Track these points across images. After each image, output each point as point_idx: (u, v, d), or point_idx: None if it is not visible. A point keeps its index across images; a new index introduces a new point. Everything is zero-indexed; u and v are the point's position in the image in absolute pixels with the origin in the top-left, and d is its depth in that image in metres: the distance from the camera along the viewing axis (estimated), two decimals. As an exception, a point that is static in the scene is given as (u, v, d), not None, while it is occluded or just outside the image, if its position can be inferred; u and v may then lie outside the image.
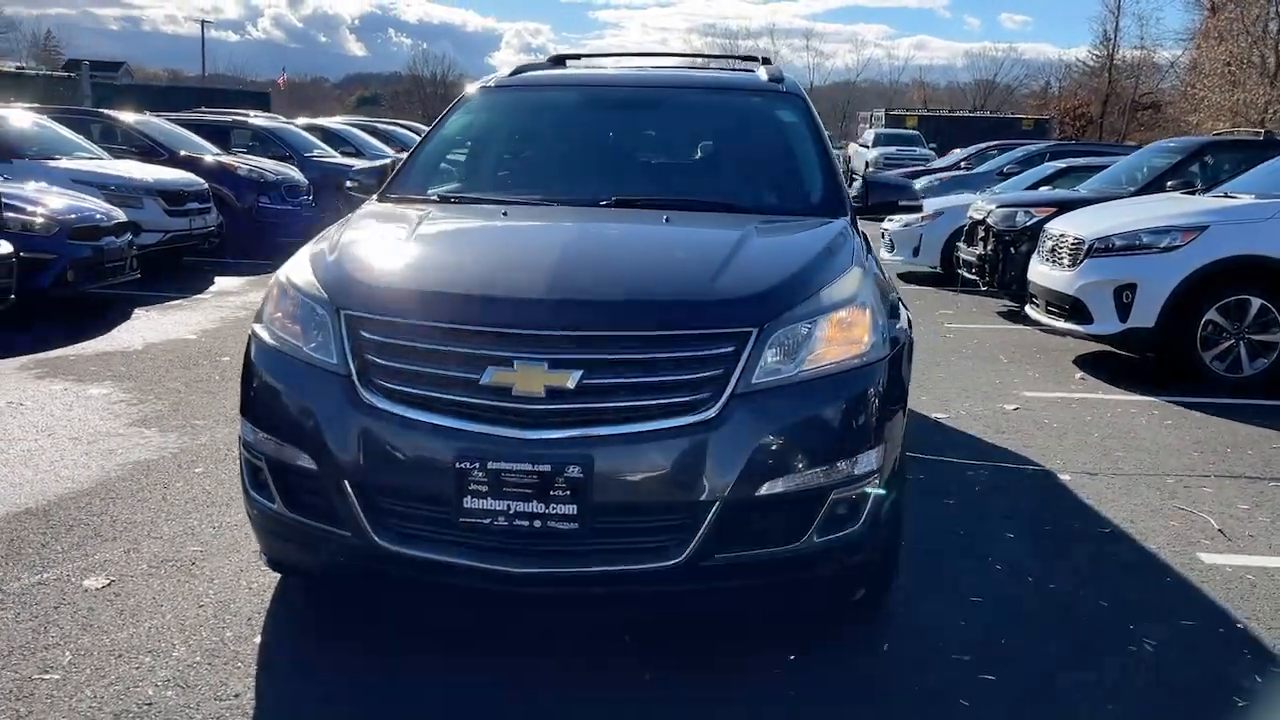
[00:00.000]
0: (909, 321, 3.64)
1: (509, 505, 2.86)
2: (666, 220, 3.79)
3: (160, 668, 3.14)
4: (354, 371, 3.02)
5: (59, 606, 3.53)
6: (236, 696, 3.00)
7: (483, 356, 2.93)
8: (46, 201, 8.97)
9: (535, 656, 3.29)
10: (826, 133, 4.71)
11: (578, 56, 5.77)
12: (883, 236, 13.58)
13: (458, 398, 2.93)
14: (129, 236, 9.53)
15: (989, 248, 10.59)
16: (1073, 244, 7.91)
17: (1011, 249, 10.19)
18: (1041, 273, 8.34)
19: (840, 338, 3.15)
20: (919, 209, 4.53)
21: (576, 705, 3.03)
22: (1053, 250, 8.23)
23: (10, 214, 8.53)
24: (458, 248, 3.61)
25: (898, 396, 3.29)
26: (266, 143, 16.46)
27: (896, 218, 13.40)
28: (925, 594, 3.83)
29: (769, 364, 3.00)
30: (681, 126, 4.86)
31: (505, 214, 3.88)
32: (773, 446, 2.95)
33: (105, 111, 15.24)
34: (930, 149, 31.29)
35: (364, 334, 3.05)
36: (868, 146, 32.79)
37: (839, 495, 3.04)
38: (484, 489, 2.84)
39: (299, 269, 3.41)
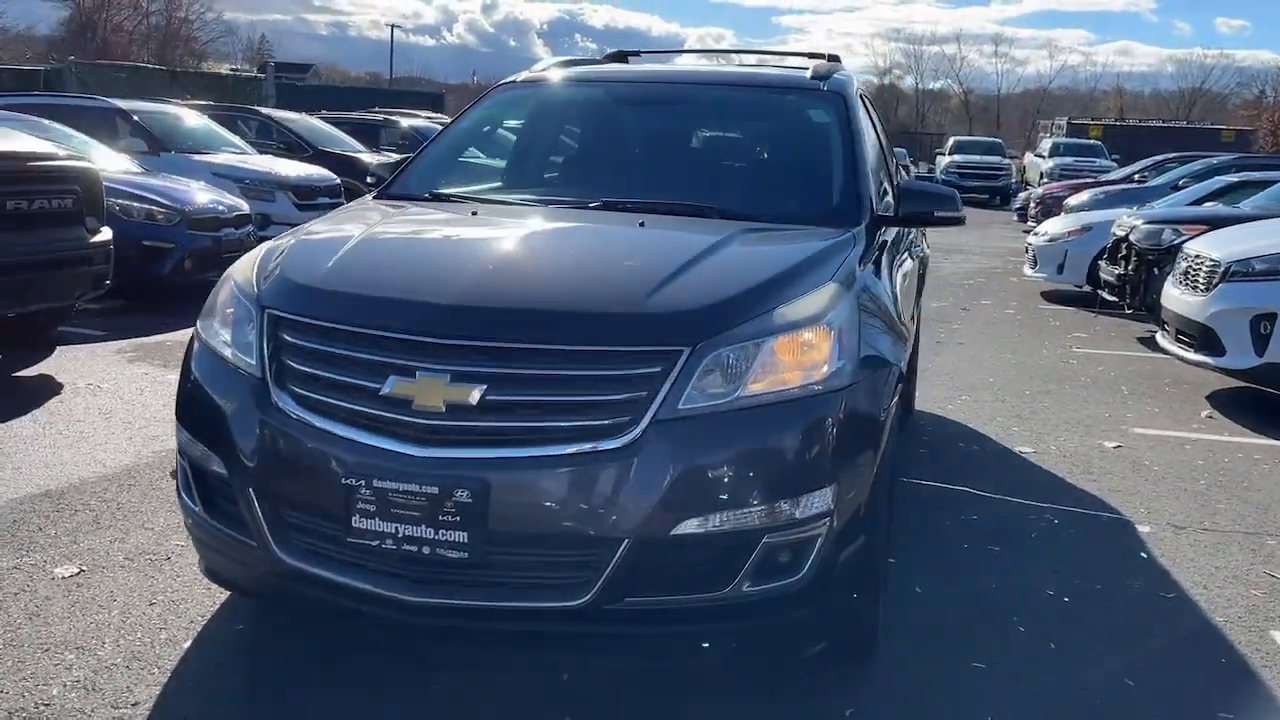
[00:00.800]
0: (903, 347, 3.25)
1: (397, 528, 2.65)
2: (641, 225, 3.50)
3: (78, 667, 3.08)
4: (269, 373, 2.88)
5: (19, 593, 3.54)
6: (134, 705, 2.90)
7: (388, 365, 2.73)
8: (172, 193, 9.36)
9: (474, 687, 3.07)
10: (873, 134, 4.30)
11: (638, 53, 5.52)
12: (1026, 251, 12.73)
13: (358, 407, 2.74)
14: (249, 228, 9.86)
15: (1130, 267, 9.72)
16: (1209, 266, 7.10)
17: (1154, 269, 9.30)
18: (1173, 296, 7.53)
19: (794, 361, 2.79)
20: (959, 221, 4.03)
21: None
22: (1186, 272, 7.42)
23: (136, 204, 8.96)
24: (397, 249, 3.42)
25: (867, 431, 2.91)
26: (415, 141, 16.91)
27: (1043, 231, 12.56)
28: (919, 653, 3.40)
29: (703, 387, 2.68)
30: (700, 126, 4.55)
31: (474, 214, 3.67)
32: (696, 480, 2.63)
33: (261, 110, 16.00)
34: (1113, 160, 29.38)
35: (282, 334, 2.90)
36: (1044, 156, 31.10)
37: (777, 540, 2.69)
38: (371, 508, 2.64)
39: (247, 263, 3.30)
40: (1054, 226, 12.56)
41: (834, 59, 5.15)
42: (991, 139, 39.02)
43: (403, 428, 2.68)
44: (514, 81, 4.75)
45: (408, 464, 2.64)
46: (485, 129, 4.67)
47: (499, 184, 4.31)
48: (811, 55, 5.40)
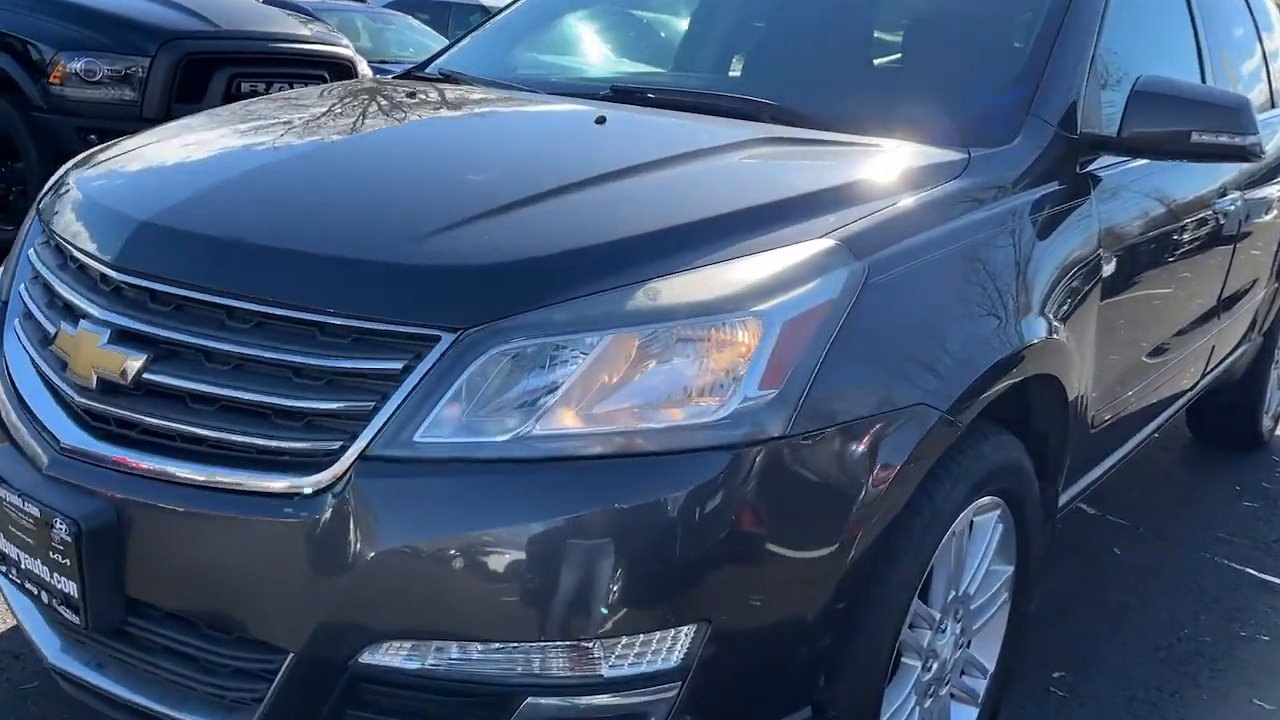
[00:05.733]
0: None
1: (19, 555, 1.73)
2: (599, 120, 2.21)
3: None
4: (8, 301, 2.05)
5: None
6: None
7: (70, 304, 1.79)
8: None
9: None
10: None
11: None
12: None
13: (34, 353, 1.84)
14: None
15: None
16: None
17: None
18: None
19: (664, 381, 1.50)
20: (1246, 153, 2.21)
21: None
22: None
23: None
24: (238, 148, 2.28)
25: (805, 531, 1.55)
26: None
27: None
28: None
29: (464, 409, 1.48)
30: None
31: (404, 97, 2.54)
32: (415, 576, 1.46)
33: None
34: None
35: (32, 257, 2.05)
36: None
37: (553, 705, 1.46)
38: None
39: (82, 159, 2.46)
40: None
41: None
42: None
43: (60, 399, 1.74)
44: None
45: (32, 457, 1.70)
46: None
47: (526, 63, 3.13)
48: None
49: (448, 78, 2.78)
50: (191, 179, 1.91)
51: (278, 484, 1.51)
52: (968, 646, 2.08)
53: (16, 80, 5.51)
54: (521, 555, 1.44)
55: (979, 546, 2.02)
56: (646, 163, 1.90)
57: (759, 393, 1.50)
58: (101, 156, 2.17)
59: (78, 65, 5.40)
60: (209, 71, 5.62)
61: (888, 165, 2.00)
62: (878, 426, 1.59)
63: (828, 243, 1.66)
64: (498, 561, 1.45)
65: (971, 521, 1.96)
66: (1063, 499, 2.46)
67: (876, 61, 2.79)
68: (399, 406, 1.48)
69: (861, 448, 1.57)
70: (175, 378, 1.60)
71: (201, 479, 1.55)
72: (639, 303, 1.51)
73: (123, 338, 1.66)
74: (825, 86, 2.53)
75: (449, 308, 1.52)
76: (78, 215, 1.91)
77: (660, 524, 1.45)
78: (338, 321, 1.54)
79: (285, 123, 2.29)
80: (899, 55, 2.76)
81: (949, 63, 2.48)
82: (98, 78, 5.47)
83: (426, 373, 1.49)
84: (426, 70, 2.94)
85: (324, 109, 2.41)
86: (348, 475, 1.47)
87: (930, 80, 2.45)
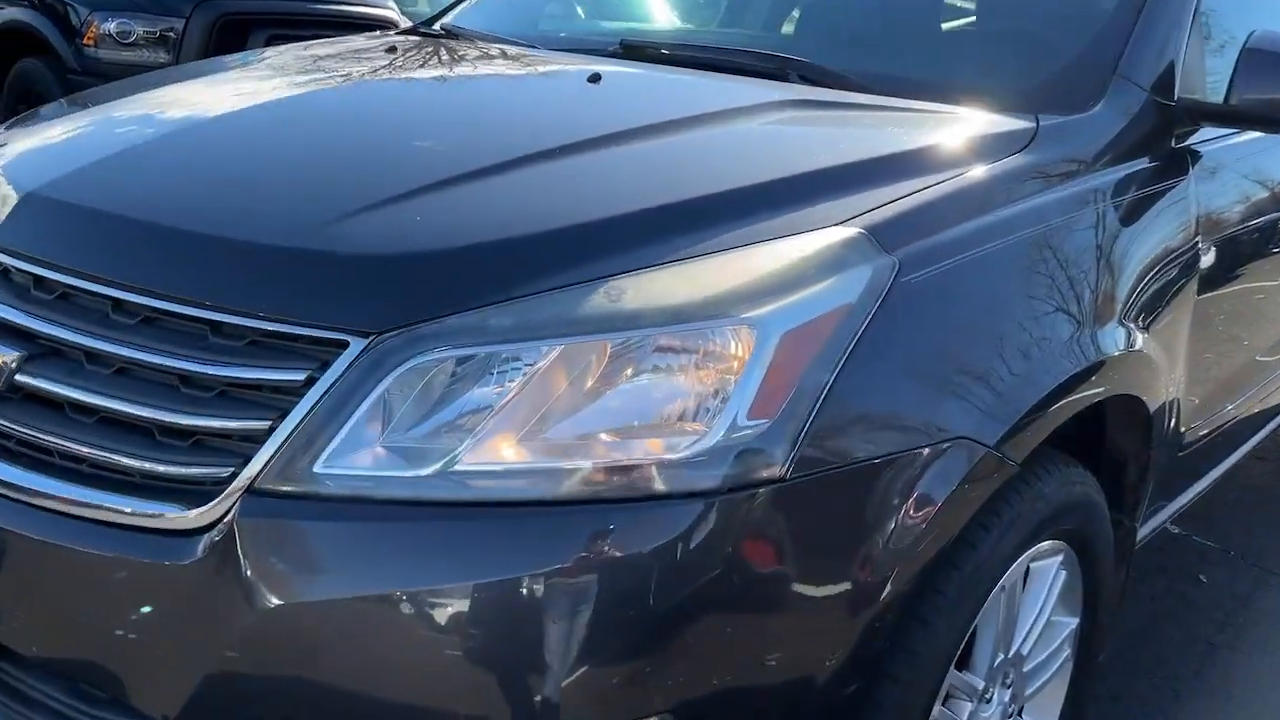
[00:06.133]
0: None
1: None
2: (593, 79, 1.87)
3: None
4: None
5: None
6: None
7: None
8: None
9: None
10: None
11: None
12: None
13: None
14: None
15: None
16: None
17: None
18: None
19: (621, 407, 1.18)
20: None
21: None
22: None
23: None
24: (163, 112, 1.93)
25: (804, 603, 1.23)
26: None
27: None
28: None
29: (376, 433, 1.19)
30: None
31: (388, 52, 2.21)
32: (303, 649, 1.17)
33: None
34: None
35: None
36: None
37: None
38: None
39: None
40: None
41: None
42: None
43: None
44: None
45: None
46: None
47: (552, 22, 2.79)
48: None
49: (449, 33, 2.47)
50: (96, 147, 1.63)
51: (155, 518, 1.23)
52: (1019, 715, 1.73)
53: (51, 42, 5.38)
54: (436, 632, 1.15)
55: (1036, 598, 1.67)
56: (635, 130, 1.57)
57: (748, 424, 1.17)
58: (18, 122, 1.90)
59: (111, 26, 5.25)
60: (245, 32, 5.42)
61: (933, 135, 1.64)
62: (903, 467, 1.25)
63: (847, 231, 1.32)
64: (406, 637, 1.15)
65: (1028, 568, 1.62)
66: (1142, 531, 2.09)
67: (923, 7, 2.40)
68: (297, 428, 1.19)
69: (880, 495, 1.24)
70: (51, 381, 1.33)
71: (77, 505, 1.28)
72: (598, 305, 1.20)
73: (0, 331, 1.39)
74: (860, 39, 2.15)
75: (359, 307, 1.22)
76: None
77: (614, 594, 1.14)
78: (232, 321, 1.25)
79: (230, 84, 1.99)
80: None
81: (1013, 7, 2.09)
82: (132, 39, 5.30)
83: (331, 387, 1.19)
84: (434, 26, 2.63)
85: (279, 69, 2.10)
86: (230, 512, 1.19)
87: (989, 29, 2.07)
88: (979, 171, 1.54)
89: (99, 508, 1.26)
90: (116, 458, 1.27)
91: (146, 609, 1.24)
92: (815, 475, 1.19)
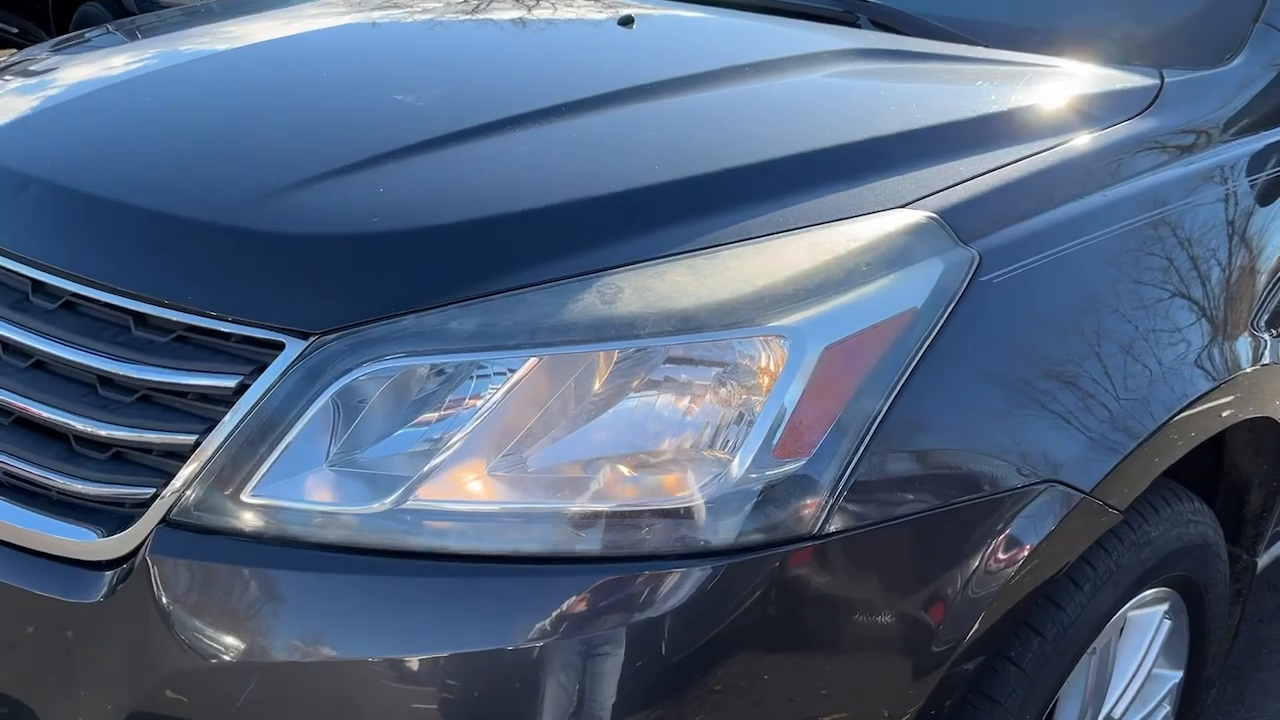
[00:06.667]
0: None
1: None
2: (624, 22, 1.58)
3: None
4: None
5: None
6: None
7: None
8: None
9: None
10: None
11: None
12: None
13: None
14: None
15: None
16: None
17: None
18: None
19: (607, 439, 0.94)
20: None
21: None
22: None
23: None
24: (121, 60, 1.63)
25: (835, 694, 0.98)
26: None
27: None
28: None
29: (313, 456, 0.96)
30: None
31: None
32: (208, 708, 0.97)
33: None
34: None
35: None
36: None
37: None
38: None
39: None
40: None
41: None
42: None
43: None
44: None
45: None
46: None
47: None
48: None
49: None
50: (31, 104, 1.40)
51: (63, 544, 1.03)
52: (1107, 783, 1.47)
53: (113, -15, 5.29)
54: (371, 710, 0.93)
55: (1135, 651, 1.40)
56: (661, 84, 1.29)
57: (773, 464, 0.92)
58: None
59: (172, -32, 5.12)
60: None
61: (1029, 94, 1.33)
62: (972, 522, 0.99)
63: (914, 215, 1.05)
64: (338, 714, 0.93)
65: (1127, 618, 1.35)
66: (1262, 562, 1.78)
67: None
68: (224, 445, 0.98)
69: (940, 557, 0.98)
70: None
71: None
72: (587, 307, 0.95)
73: (-83, 312, 1.20)
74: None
75: (296, 301, 0.99)
76: None
77: (594, 682, 0.90)
78: (156, 312, 1.04)
79: (205, 24, 1.74)
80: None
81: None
82: (193, -19, 5.17)
83: (263, 397, 0.97)
84: None
85: (268, 12, 1.85)
86: (142, 546, 0.98)
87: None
88: (1085, 140, 1.24)
89: (15, 531, 1.06)
90: (27, 468, 1.07)
91: (50, 656, 1.04)
92: (858, 532, 0.93)
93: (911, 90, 1.38)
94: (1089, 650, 1.23)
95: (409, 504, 0.94)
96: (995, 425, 1.03)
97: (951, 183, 1.10)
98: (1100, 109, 1.32)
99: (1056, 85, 1.39)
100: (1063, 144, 1.23)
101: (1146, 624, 1.40)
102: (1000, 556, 1.01)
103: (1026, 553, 1.02)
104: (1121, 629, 1.35)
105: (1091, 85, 1.39)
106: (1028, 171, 1.15)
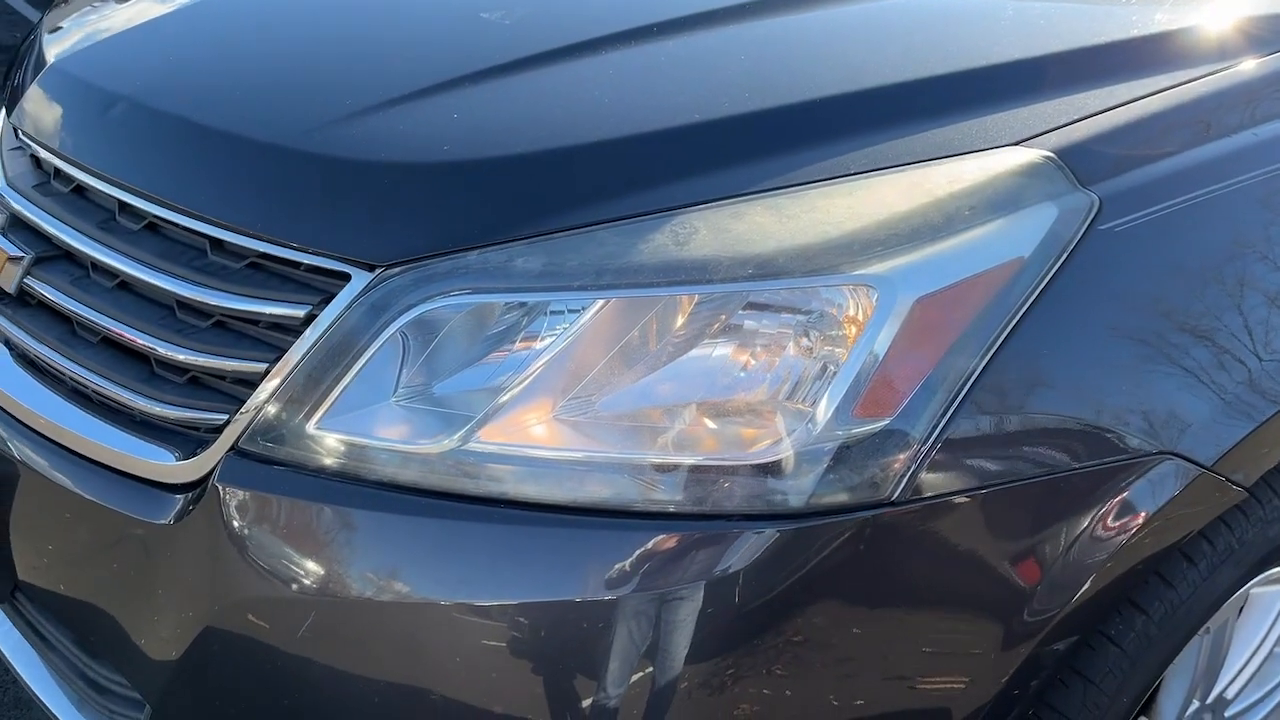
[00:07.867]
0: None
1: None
2: None
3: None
4: None
5: None
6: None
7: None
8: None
9: None
10: None
11: None
12: None
13: None
14: None
15: None
16: None
17: None
18: None
19: (673, 391, 0.89)
20: None
21: None
22: None
23: None
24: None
25: (918, 674, 0.92)
26: None
27: None
28: None
29: (377, 391, 0.94)
30: None
31: None
32: (272, 660, 0.97)
33: None
34: None
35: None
36: None
37: None
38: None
39: None
40: None
41: None
42: None
43: None
44: None
45: None
46: None
47: None
48: None
49: None
50: (118, 23, 1.39)
51: (143, 465, 1.05)
52: (1212, 769, 1.38)
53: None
54: (428, 663, 0.91)
55: (1255, 631, 1.29)
56: (760, 3, 1.19)
57: (854, 423, 0.86)
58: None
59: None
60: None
61: (1175, 10, 1.19)
62: (1074, 494, 0.90)
63: (1026, 154, 0.95)
64: (387, 652, 0.93)
65: (1249, 595, 1.24)
66: None
67: None
68: (291, 374, 0.96)
69: (1037, 531, 0.90)
70: (55, 290, 1.15)
71: (69, 435, 1.11)
72: (659, 247, 0.89)
73: (14, 226, 1.22)
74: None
75: (362, 232, 0.96)
76: (24, 68, 1.46)
77: (667, 635, 0.87)
78: (230, 238, 1.02)
79: None
80: None
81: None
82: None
83: (329, 328, 0.95)
84: None
85: None
86: (213, 471, 0.99)
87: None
88: (1244, 68, 1.10)
89: (89, 442, 1.09)
90: (113, 388, 1.09)
91: (129, 569, 1.06)
92: (942, 500, 0.87)
93: (1038, 7, 1.25)
94: (1202, 630, 1.14)
95: (471, 445, 0.91)
96: (1106, 390, 0.93)
97: (1075, 118, 0.98)
98: (1264, 30, 1.17)
99: (1217, 2, 1.24)
100: (1214, 73, 1.09)
101: (1271, 602, 1.29)
102: (1103, 532, 0.92)
103: (1135, 528, 0.93)
104: (1241, 607, 1.25)
105: (1260, 3, 1.23)
106: (1165, 105, 1.02)
